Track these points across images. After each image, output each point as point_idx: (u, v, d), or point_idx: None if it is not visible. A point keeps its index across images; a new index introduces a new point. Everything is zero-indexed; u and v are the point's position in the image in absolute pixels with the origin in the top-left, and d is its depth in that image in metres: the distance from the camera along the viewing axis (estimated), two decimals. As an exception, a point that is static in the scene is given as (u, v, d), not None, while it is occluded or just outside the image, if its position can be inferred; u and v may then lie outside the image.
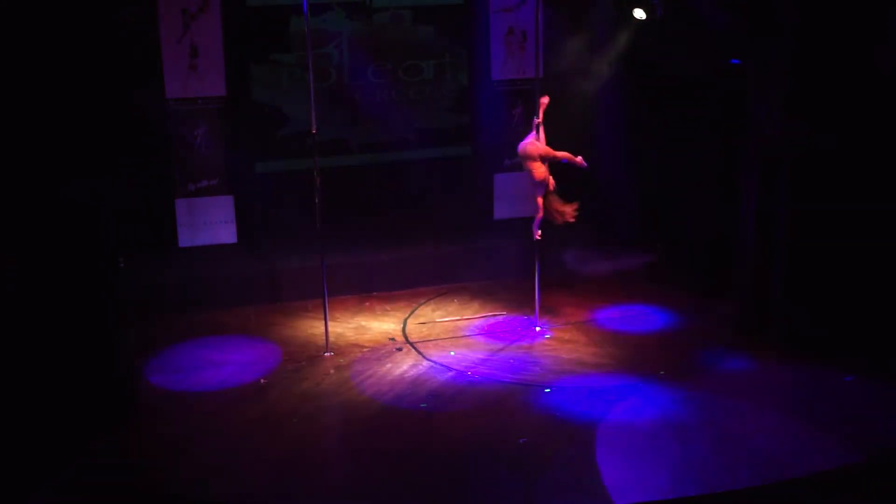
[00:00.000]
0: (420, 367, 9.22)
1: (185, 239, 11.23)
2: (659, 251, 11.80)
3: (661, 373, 8.89)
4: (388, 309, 10.86)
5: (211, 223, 11.27)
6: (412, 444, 7.71)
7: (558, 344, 9.71)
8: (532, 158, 9.56)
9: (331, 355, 9.50)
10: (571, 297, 10.85)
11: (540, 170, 9.55)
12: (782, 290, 9.38)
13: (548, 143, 9.62)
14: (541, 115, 9.63)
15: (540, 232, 9.76)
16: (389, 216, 11.88)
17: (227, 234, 11.38)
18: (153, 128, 10.89)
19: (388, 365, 9.28)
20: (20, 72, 7.32)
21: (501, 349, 9.64)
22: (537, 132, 9.62)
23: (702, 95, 10.91)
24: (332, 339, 9.66)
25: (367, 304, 11.07)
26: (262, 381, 8.91)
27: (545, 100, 9.65)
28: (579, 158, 9.52)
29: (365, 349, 9.69)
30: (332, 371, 9.15)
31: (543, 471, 7.25)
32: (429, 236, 11.87)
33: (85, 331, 7.75)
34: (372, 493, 7.02)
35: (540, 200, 9.64)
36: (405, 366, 9.25)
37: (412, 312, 10.75)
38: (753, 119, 9.49)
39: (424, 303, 11.02)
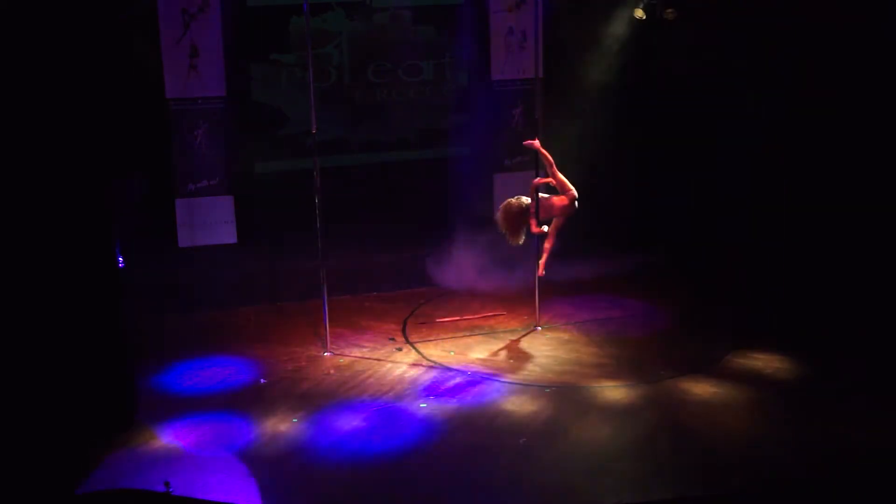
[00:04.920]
0: (420, 367, 9.22)
1: (185, 239, 11.25)
2: (658, 252, 11.80)
3: (662, 373, 8.89)
4: (388, 309, 10.86)
5: (211, 223, 11.29)
6: (412, 444, 7.70)
7: (558, 344, 9.71)
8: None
9: (331, 355, 9.50)
10: (571, 298, 10.85)
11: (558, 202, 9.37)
12: (782, 289, 9.39)
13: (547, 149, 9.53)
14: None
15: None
16: (390, 216, 11.88)
17: (227, 234, 11.40)
18: (153, 128, 10.91)
19: (388, 365, 9.28)
20: (20, 72, 7.32)
21: (501, 349, 9.64)
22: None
23: (699, 94, 10.94)
24: (331, 339, 9.66)
25: (367, 304, 11.07)
26: (262, 381, 8.91)
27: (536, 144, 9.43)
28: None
29: (365, 349, 9.69)
30: (332, 371, 9.15)
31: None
32: (428, 236, 11.87)
33: (86, 332, 7.74)
34: (371, 493, 7.01)
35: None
36: (405, 366, 9.25)
37: (412, 312, 10.75)
38: (751, 114, 9.51)
39: (424, 303, 11.02)
